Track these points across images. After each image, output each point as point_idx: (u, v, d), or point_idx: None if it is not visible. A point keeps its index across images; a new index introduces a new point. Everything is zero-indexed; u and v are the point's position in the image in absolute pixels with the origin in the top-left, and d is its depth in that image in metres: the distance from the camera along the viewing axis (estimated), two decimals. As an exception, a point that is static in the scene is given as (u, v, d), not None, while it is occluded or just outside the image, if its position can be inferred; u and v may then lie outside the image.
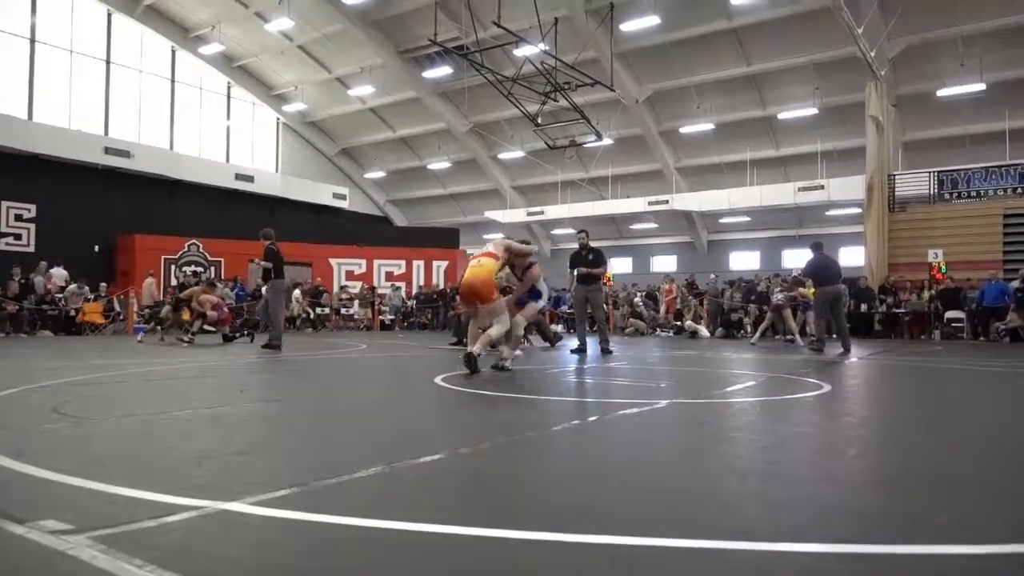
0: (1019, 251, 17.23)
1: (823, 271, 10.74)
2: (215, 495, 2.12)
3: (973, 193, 18.73)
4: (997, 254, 17.40)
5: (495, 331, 6.32)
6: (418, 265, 25.31)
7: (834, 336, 11.58)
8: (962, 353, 10.98)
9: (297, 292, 20.68)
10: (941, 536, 1.86)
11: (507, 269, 7.22)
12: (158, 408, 4.39)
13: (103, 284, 17.88)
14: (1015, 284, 14.93)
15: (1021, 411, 4.92)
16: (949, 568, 1.67)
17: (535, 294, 7.39)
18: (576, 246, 10.76)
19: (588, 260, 10.28)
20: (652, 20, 22.15)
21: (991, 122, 22.71)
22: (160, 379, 6.27)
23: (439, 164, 33.87)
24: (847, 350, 10.11)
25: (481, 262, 6.54)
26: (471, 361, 6.14)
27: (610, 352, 9.53)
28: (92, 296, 17.11)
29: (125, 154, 24.04)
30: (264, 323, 11.34)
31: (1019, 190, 18.09)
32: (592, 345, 10.36)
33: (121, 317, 17.11)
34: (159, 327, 13.69)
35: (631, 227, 33.71)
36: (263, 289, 11.61)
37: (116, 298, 17.62)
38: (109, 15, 26.13)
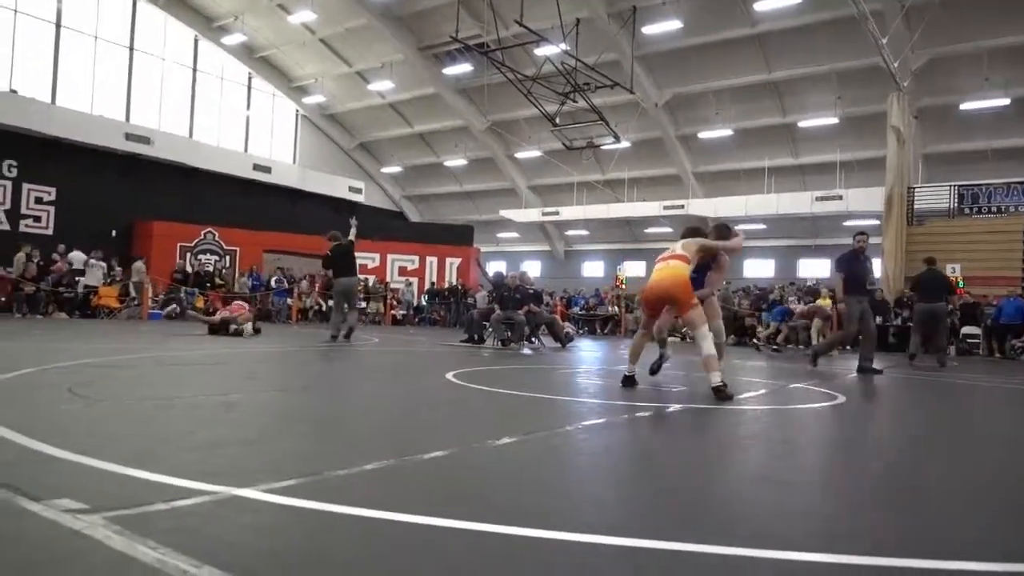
0: (1038, 268, 17.05)
1: (924, 286, 10.80)
2: (227, 481, 2.13)
3: (993, 208, 18.52)
4: (1016, 270, 17.21)
5: (707, 347, 5.13)
6: (431, 261, 25.35)
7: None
8: (977, 369, 10.86)
9: (304, 284, 20.78)
10: (957, 552, 1.84)
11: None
12: (172, 392, 4.41)
13: (119, 268, 18.03)
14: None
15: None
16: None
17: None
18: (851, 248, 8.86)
19: (867, 267, 8.74)
20: (674, 24, 22.04)
21: (1014, 137, 22.45)
22: (174, 364, 6.30)
23: (456, 161, 33.89)
24: (942, 364, 10.04)
25: (670, 264, 5.44)
26: (631, 381, 5.30)
27: (876, 372, 8.13)
28: (109, 278, 17.30)
29: (145, 140, 24.20)
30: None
31: (1042, 206, 17.90)
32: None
33: (136, 302, 17.25)
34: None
35: (645, 231, 33.58)
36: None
37: (131, 283, 17.77)
38: (134, 2, 26.34)
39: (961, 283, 16.94)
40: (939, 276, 10.77)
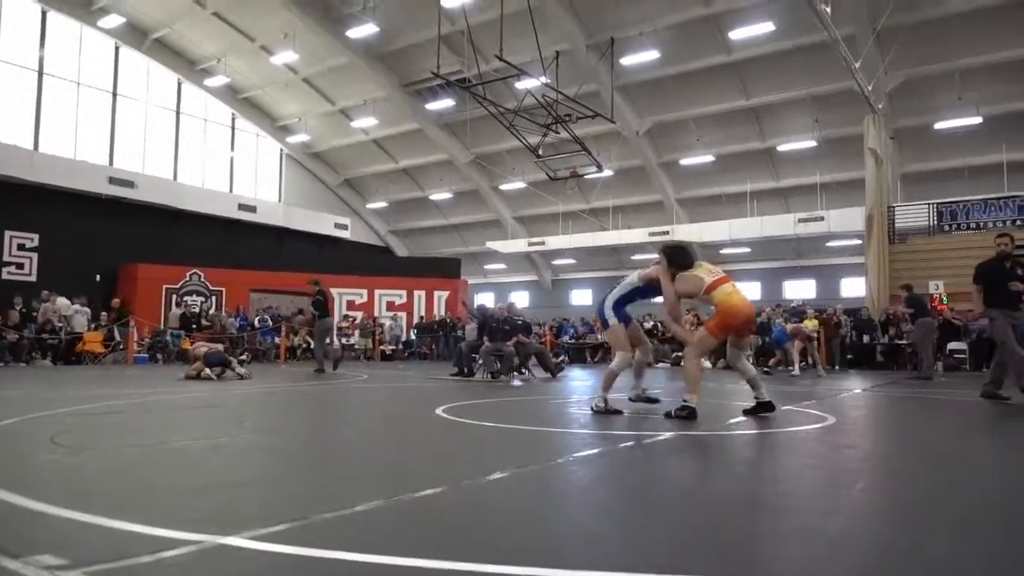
0: (1021, 282, 17.22)
1: (920, 307, 12.68)
2: (213, 529, 2.08)
3: (972, 225, 18.80)
4: (998, 285, 17.37)
5: (747, 369, 5.64)
6: (419, 295, 25.28)
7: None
8: (965, 385, 10.89)
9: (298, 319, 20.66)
10: (954, 573, 1.82)
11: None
12: (157, 438, 4.34)
13: (104, 313, 17.85)
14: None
15: (1029, 444, 4.87)
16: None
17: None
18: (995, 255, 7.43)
19: (1019, 275, 7.19)
20: (652, 54, 22.46)
21: (988, 154, 22.89)
22: (160, 409, 6.21)
23: (441, 195, 34.08)
24: (928, 378, 11.26)
25: (736, 289, 5.59)
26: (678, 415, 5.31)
27: (1004, 399, 7.23)
28: (93, 325, 17.12)
29: (129, 184, 24.20)
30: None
31: (1018, 222, 18.15)
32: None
33: (121, 347, 17.05)
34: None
35: (632, 258, 33.73)
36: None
37: (116, 327, 17.57)
38: (117, 48, 26.54)
39: (945, 300, 17.07)
40: (922, 297, 12.54)
